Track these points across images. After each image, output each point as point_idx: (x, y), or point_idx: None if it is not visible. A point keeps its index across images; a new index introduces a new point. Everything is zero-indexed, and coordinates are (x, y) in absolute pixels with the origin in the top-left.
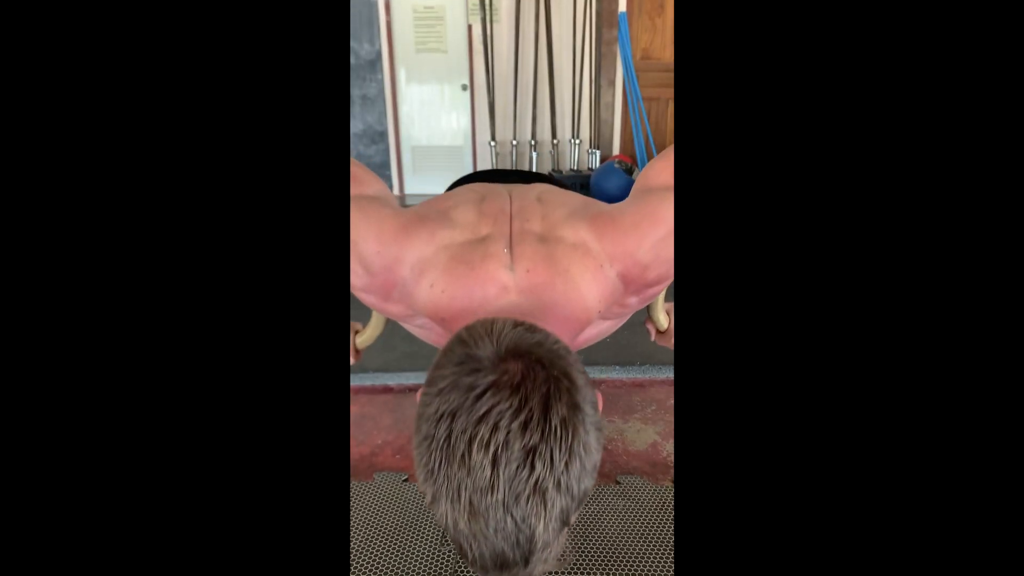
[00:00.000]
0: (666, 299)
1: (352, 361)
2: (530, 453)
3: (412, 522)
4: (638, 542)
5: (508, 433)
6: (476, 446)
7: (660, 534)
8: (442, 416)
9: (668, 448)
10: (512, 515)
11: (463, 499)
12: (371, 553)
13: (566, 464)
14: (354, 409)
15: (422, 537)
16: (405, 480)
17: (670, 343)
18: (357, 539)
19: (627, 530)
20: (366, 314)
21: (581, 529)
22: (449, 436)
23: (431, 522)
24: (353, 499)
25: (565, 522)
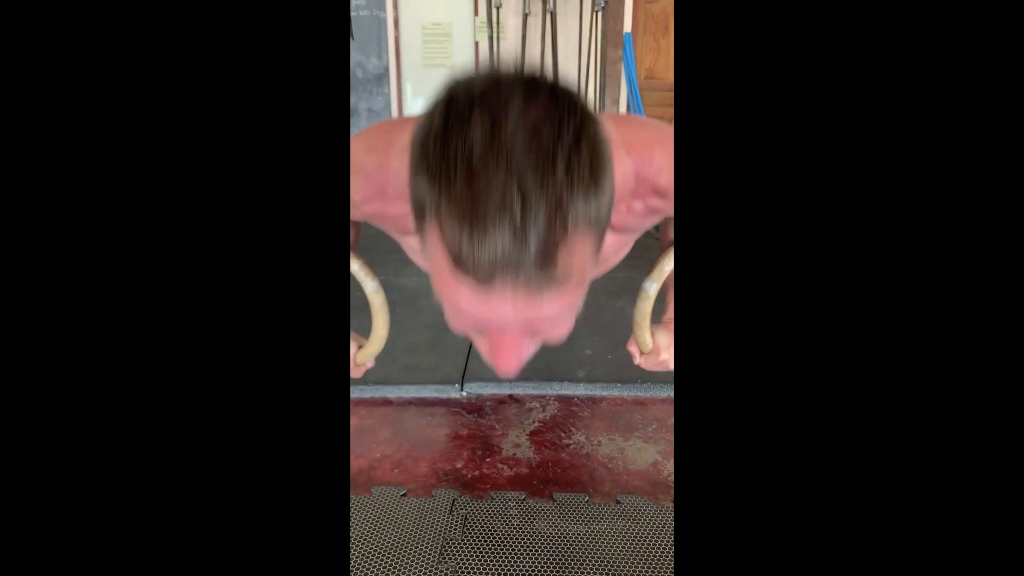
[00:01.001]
0: (653, 320)
1: (354, 375)
2: (536, 125)
3: (411, 538)
4: (638, 564)
5: (509, 107)
6: (475, 114)
7: (661, 556)
8: (433, 115)
9: (669, 468)
10: (519, 183)
11: (456, 163)
12: (369, 569)
13: (576, 146)
14: (353, 421)
15: (421, 553)
16: (404, 495)
17: (652, 364)
18: (355, 555)
19: (627, 551)
20: (366, 328)
21: (579, 550)
22: (446, 121)
23: (430, 539)
24: (352, 514)
25: (577, 223)
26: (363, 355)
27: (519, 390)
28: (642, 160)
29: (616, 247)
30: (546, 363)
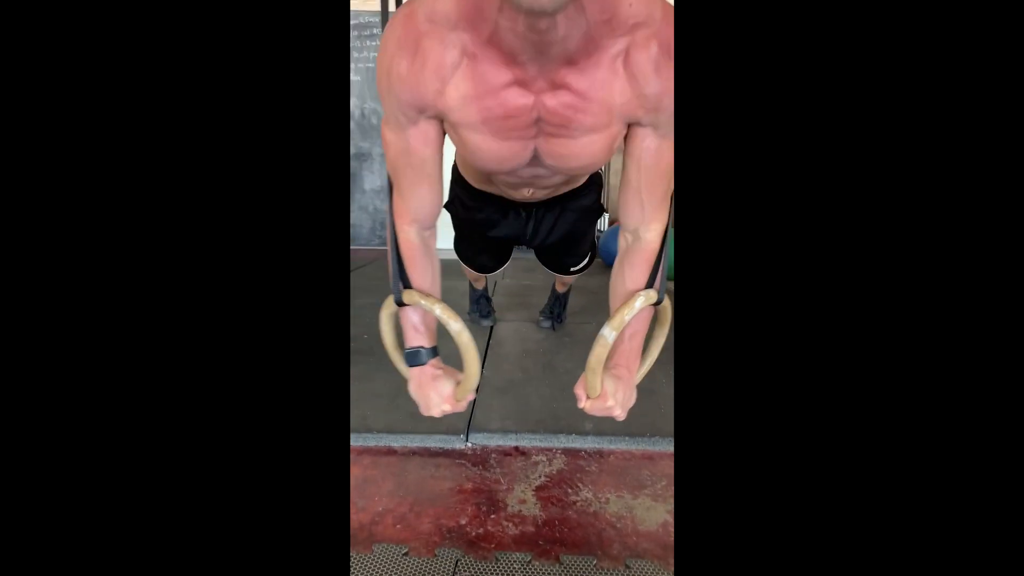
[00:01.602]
0: (605, 366)
1: (458, 409)
2: None
3: None
4: None
5: None
6: None
7: None
8: None
9: None
10: None
11: None
12: None
13: None
14: (356, 471)
15: None
16: (405, 554)
17: (597, 410)
18: None
19: None
20: (362, 379)
21: None
22: None
23: None
24: (351, 574)
25: None
26: (462, 392)
27: (525, 442)
28: (666, 15)
29: (624, 95)
30: (552, 414)
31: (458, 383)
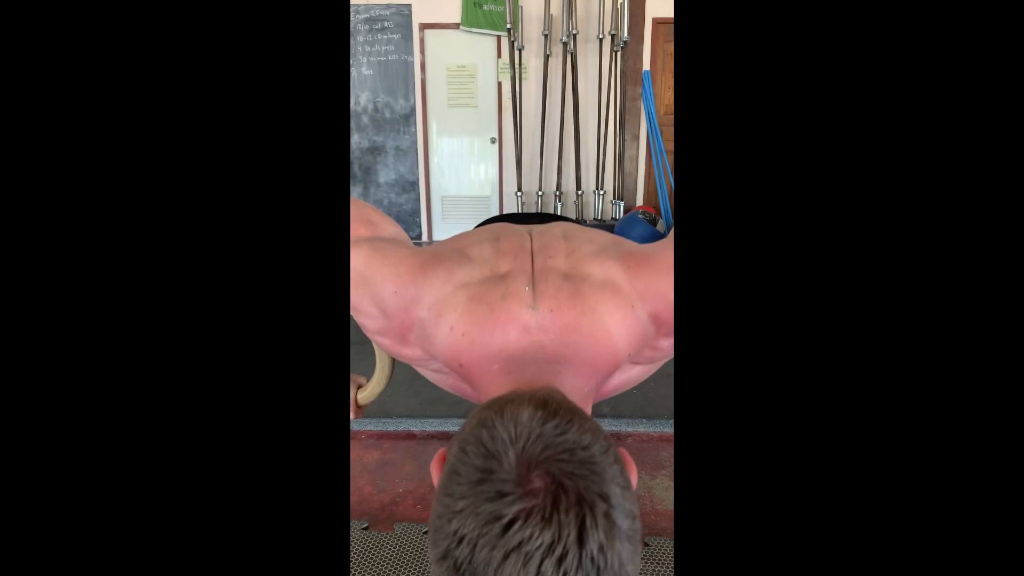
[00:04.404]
0: None
1: (352, 417)
2: (562, 550)
3: None
4: None
5: (540, 564)
6: (504, 550)
7: None
8: (463, 539)
9: None
10: None
11: None
12: None
13: (602, 552)
14: (376, 455)
15: None
16: (426, 532)
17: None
18: None
19: None
20: (368, 366)
21: None
22: (471, 560)
23: None
24: (373, 551)
25: None
26: (364, 396)
27: None
28: (659, 306)
29: (644, 372)
30: None
31: (360, 387)
